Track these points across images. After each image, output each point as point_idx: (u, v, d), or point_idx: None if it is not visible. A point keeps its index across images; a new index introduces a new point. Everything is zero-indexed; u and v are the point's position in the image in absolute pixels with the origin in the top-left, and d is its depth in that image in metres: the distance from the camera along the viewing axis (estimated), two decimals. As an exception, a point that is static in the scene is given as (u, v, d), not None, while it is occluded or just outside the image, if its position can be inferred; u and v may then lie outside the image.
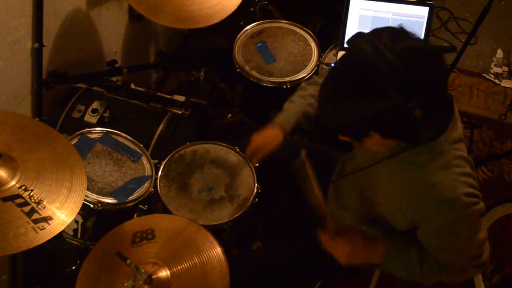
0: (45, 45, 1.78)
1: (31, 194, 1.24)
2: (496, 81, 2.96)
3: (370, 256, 1.35)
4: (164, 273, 1.31)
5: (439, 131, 1.17)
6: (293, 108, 1.60)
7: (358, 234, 1.36)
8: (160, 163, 1.73)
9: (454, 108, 1.22)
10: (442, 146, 1.18)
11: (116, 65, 2.12)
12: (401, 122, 1.06)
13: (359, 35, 1.09)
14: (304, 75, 1.99)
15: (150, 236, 1.38)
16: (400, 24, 1.10)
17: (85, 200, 1.48)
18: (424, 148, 1.17)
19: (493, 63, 3.06)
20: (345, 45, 1.16)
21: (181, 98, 2.01)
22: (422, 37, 1.95)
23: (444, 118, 1.17)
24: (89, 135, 1.75)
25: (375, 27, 1.15)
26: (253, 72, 1.99)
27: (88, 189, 1.55)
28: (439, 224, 1.21)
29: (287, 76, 1.99)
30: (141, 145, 1.77)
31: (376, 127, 1.11)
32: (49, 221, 1.21)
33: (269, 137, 1.56)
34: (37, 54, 1.78)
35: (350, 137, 1.21)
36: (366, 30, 1.11)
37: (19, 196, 1.23)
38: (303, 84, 1.67)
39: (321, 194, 1.34)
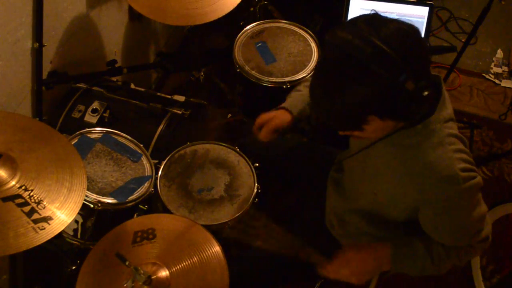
0: (45, 45, 1.78)
1: (31, 194, 1.24)
2: (496, 81, 2.97)
3: (378, 264, 1.35)
4: (163, 273, 1.31)
5: (430, 110, 1.18)
6: (300, 95, 1.62)
7: (350, 250, 1.37)
8: (160, 163, 1.73)
9: (443, 88, 1.23)
10: (433, 125, 1.19)
11: (116, 65, 2.12)
12: (396, 98, 1.07)
13: (335, 28, 1.10)
14: (304, 75, 1.99)
15: (151, 236, 1.38)
16: (372, 10, 1.11)
17: (85, 200, 1.48)
18: (415, 130, 1.18)
19: (493, 63, 3.06)
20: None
21: (181, 98, 2.01)
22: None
23: (433, 95, 1.17)
24: (89, 135, 1.75)
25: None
26: (253, 72, 1.99)
27: (88, 189, 1.55)
28: (440, 203, 1.22)
29: (287, 76, 1.99)
30: (141, 145, 1.77)
31: (373, 109, 1.11)
32: (49, 221, 1.21)
33: (276, 113, 1.58)
34: (37, 54, 1.78)
35: (350, 129, 1.20)
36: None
37: (19, 196, 1.23)
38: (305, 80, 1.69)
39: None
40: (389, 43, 1.03)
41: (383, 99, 1.07)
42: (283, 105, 1.61)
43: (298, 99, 1.62)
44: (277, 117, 1.57)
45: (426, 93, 1.08)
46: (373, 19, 1.09)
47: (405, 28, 1.08)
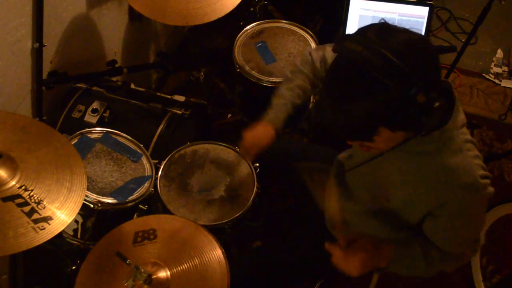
0: (45, 45, 1.78)
1: (31, 194, 1.24)
2: (496, 81, 2.97)
3: (379, 262, 1.34)
4: (164, 273, 1.31)
5: (446, 117, 1.17)
6: (282, 104, 1.59)
7: (370, 243, 1.33)
8: (160, 163, 1.73)
9: (454, 93, 1.22)
10: (451, 132, 1.18)
11: (116, 65, 2.12)
12: (407, 110, 1.06)
13: (345, 38, 1.09)
14: (304, 75, 1.99)
15: (152, 236, 1.38)
16: (382, 19, 1.10)
17: (85, 200, 1.47)
18: (432, 137, 1.17)
19: (493, 63, 3.06)
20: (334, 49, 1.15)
21: (181, 98, 2.01)
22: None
23: (447, 103, 1.15)
24: (89, 135, 1.75)
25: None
26: (253, 72, 1.99)
27: (88, 189, 1.55)
28: (456, 209, 1.21)
29: (287, 76, 1.99)
30: (141, 145, 1.77)
31: (383, 121, 1.10)
32: (49, 221, 1.21)
33: (260, 134, 1.57)
34: (37, 54, 1.78)
35: (360, 139, 1.19)
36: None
37: (19, 196, 1.23)
38: (288, 75, 1.65)
39: (339, 204, 1.35)
40: (399, 54, 1.02)
41: (393, 111, 1.07)
42: (266, 118, 1.58)
43: (281, 109, 1.59)
44: (261, 141, 1.56)
45: (437, 104, 1.08)
46: (383, 29, 1.07)
47: (414, 39, 1.07)
